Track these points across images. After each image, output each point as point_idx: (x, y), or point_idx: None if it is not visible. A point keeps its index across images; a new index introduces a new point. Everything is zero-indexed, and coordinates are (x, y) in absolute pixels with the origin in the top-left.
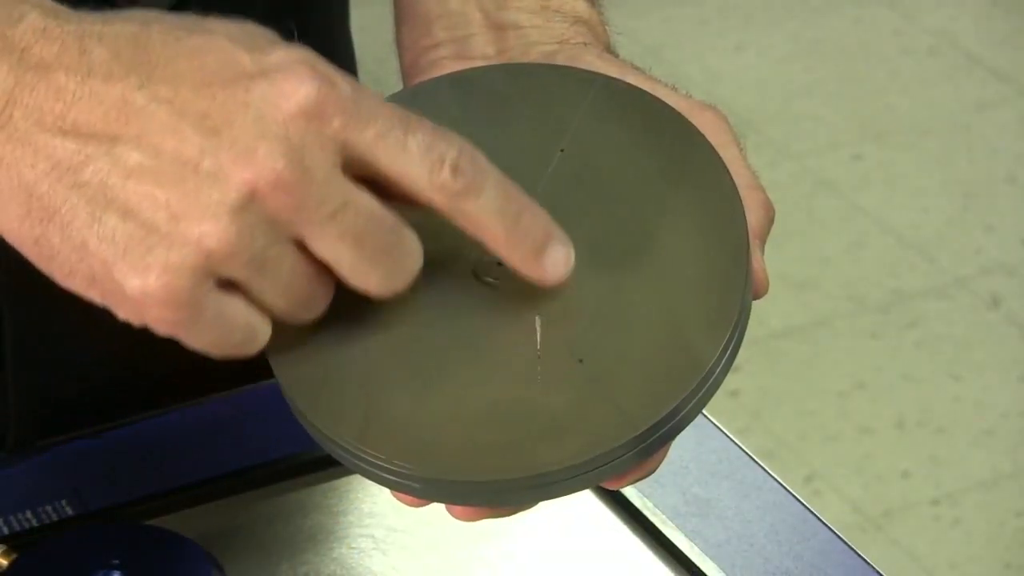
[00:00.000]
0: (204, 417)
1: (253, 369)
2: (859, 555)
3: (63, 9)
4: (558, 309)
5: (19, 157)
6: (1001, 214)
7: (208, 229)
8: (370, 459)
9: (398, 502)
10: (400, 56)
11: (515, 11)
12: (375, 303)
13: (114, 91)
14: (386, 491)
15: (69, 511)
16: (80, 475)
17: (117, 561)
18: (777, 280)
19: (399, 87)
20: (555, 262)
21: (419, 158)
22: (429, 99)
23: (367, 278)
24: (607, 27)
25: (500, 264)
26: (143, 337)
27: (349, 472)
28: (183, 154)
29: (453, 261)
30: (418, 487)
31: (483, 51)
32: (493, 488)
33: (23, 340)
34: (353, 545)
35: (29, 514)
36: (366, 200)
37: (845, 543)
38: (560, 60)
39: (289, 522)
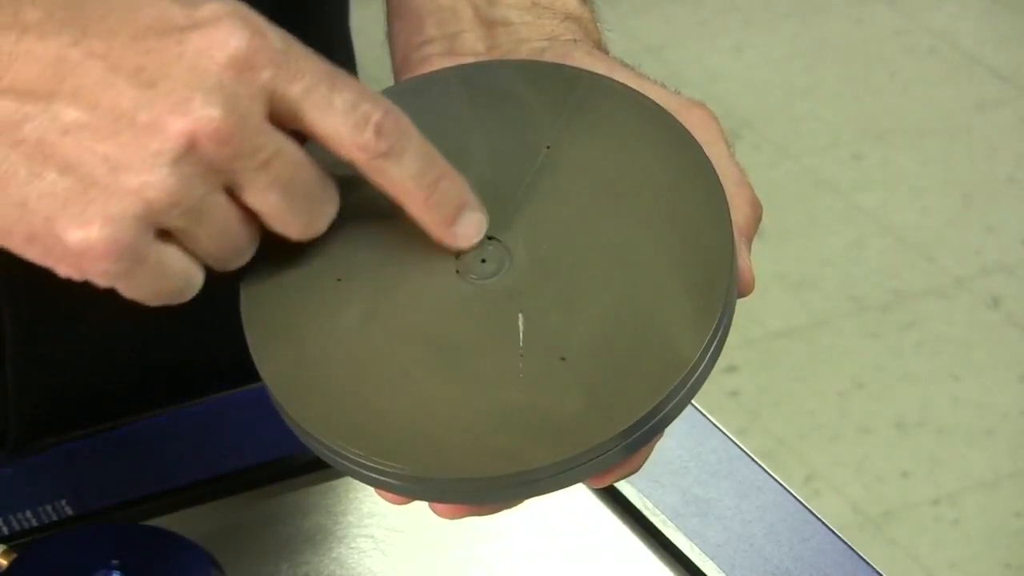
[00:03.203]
0: (204, 417)
1: (253, 369)
2: (859, 555)
3: None
4: (541, 307)
5: None
6: (1001, 214)
7: (148, 179)
8: (351, 456)
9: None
10: (391, 52)
11: (506, 8)
12: (359, 300)
13: (49, 49)
14: None
15: (69, 511)
16: (80, 475)
17: (117, 561)
18: (777, 280)
19: None
20: (467, 229)
21: (343, 115)
22: (418, 94)
23: (291, 224)
24: (599, 24)
25: (484, 262)
26: (143, 337)
27: None
28: (119, 107)
29: (435, 260)
30: (397, 484)
31: (473, 47)
32: (475, 486)
33: (23, 339)
34: (353, 545)
35: (29, 514)
36: (293, 149)
37: (845, 543)
38: (549, 57)
39: (289, 522)
